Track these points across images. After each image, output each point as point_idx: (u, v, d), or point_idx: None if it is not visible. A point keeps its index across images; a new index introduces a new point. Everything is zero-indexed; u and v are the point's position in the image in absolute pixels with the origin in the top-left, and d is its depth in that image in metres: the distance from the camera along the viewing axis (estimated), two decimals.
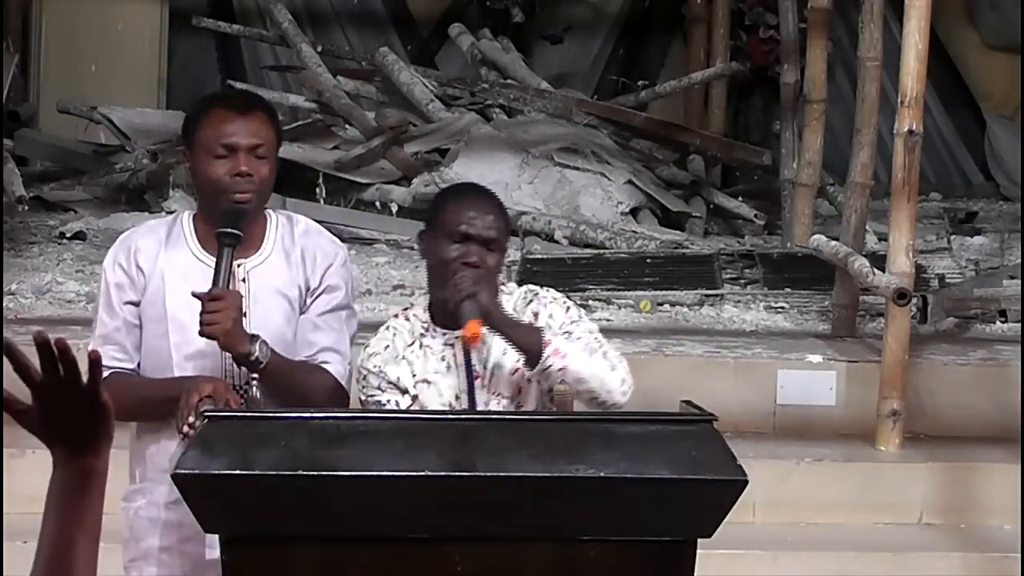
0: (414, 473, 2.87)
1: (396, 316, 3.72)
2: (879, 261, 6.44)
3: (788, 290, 7.82)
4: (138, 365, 3.69)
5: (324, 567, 2.93)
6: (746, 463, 2.94)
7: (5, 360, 1.94)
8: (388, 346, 3.64)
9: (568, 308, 3.65)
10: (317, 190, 9.13)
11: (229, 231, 3.56)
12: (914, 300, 6.62)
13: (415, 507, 2.88)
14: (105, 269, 3.72)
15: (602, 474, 2.88)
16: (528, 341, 3.52)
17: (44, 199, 9.52)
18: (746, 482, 2.91)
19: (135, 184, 9.44)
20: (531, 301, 3.66)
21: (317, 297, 3.68)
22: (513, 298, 3.67)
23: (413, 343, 3.64)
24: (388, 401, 3.59)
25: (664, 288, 7.80)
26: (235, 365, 3.60)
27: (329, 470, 2.87)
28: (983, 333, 7.38)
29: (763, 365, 6.39)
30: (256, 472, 2.87)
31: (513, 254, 7.88)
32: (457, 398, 3.60)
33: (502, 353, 3.61)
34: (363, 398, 3.64)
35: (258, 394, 3.55)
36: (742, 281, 7.96)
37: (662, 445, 2.99)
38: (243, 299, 3.56)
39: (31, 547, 2.07)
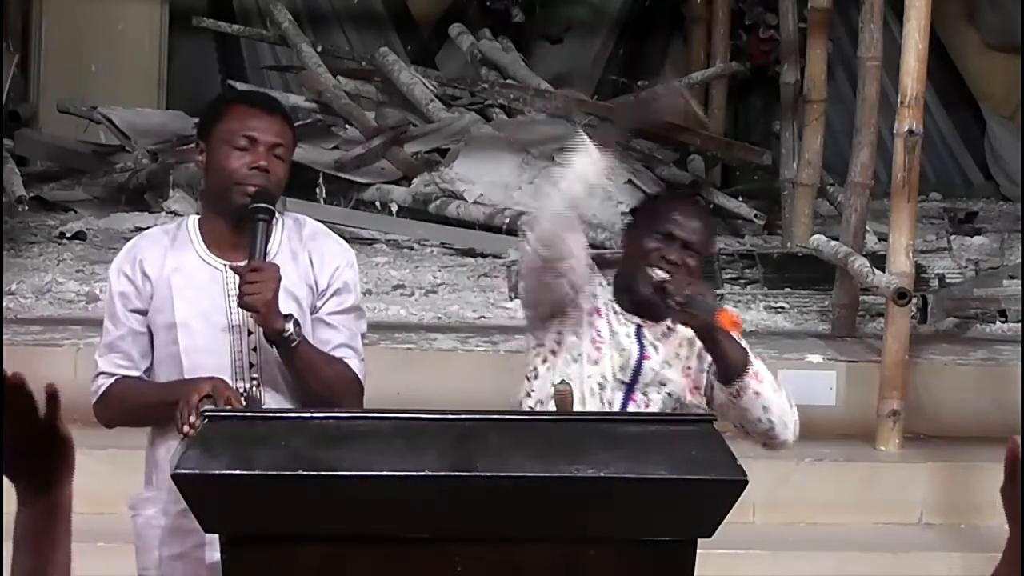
0: (414, 473, 2.87)
1: None
2: (879, 261, 6.44)
3: (788, 290, 7.82)
4: (145, 372, 3.69)
5: (324, 567, 2.92)
6: (746, 463, 2.94)
7: None
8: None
9: None
10: (317, 190, 9.12)
11: (263, 206, 3.58)
12: (914, 300, 6.61)
13: (415, 507, 2.88)
14: (110, 278, 3.72)
15: (602, 474, 2.88)
16: (736, 355, 3.55)
17: (44, 199, 9.52)
18: (746, 482, 2.91)
19: (135, 184, 9.43)
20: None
21: (328, 298, 3.68)
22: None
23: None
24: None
25: None
26: (242, 367, 3.60)
27: (329, 470, 2.87)
28: (983, 333, 7.37)
29: None
30: (256, 472, 2.87)
31: (513, 254, 7.88)
32: (623, 369, 3.64)
33: (674, 356, 3.66)
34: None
35: (259, 394, 3.56)
36: (742, 281, 7.96)
37: (662, 445, 2.99)
38: (280, 271, 3.55)
39: None
